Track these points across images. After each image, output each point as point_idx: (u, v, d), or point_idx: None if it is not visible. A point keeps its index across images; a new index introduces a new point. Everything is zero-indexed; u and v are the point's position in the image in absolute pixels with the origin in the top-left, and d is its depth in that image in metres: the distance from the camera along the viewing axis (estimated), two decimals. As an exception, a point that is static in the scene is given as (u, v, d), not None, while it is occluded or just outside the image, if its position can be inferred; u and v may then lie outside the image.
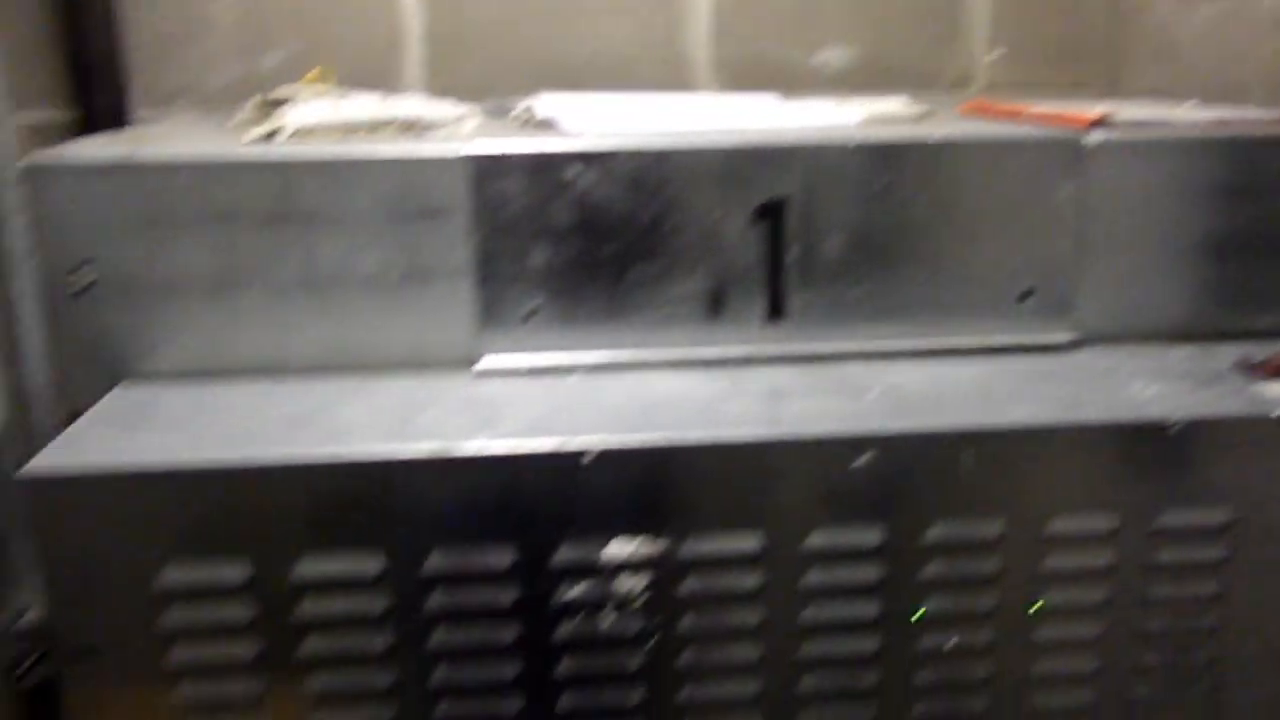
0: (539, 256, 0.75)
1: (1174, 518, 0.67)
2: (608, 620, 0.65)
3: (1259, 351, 0.76)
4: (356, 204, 0.74)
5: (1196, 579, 0.69)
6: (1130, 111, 0.85)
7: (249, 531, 0.62)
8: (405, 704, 0.65)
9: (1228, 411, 0.67)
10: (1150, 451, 0.67)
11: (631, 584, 0.65)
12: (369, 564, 0.63)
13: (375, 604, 0.64)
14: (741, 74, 1.29)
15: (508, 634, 0.65)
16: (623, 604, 0.65)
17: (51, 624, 0.63)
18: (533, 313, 0.76)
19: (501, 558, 0.64)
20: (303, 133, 0.79)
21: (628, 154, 0.74)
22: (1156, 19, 1.24)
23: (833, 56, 1.29)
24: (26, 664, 0.65)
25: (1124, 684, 0.70)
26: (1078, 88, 1.32)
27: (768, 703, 0.68)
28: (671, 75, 1.29)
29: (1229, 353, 0.78)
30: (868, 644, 0.68)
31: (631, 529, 0.65)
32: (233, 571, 0.62)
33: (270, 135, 0.78)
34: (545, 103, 0.94)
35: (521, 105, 0.96)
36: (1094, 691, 0.70)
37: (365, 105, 0.86)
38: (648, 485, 0.64)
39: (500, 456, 0.63)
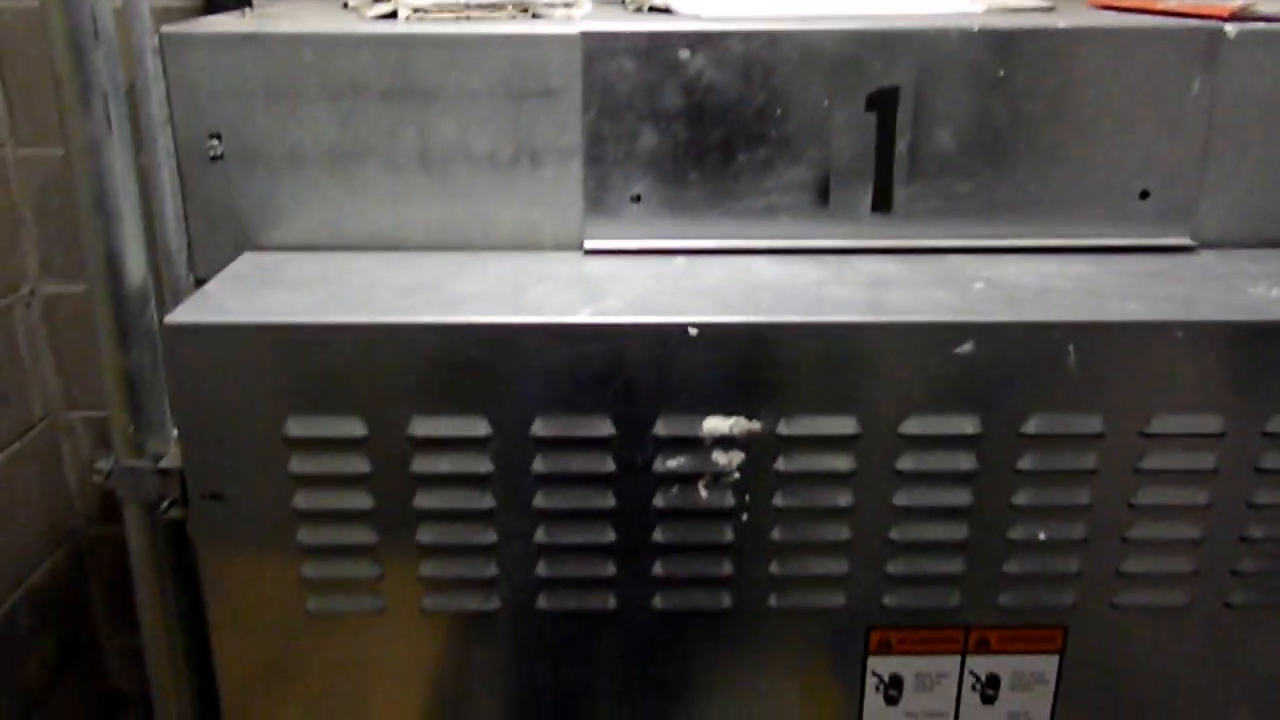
0: (648, 140, 0.76)
1: (1285, 422, 0.66)
2: (702, 493, 0.67)
3: (1393, 260, 0.73)
4: (472, 82, 0.75)
5: (1304, 486, 0.67)
6: (1274, 4, 0.80)
7: (365, 389, 0.66)
8: (506, 560, 0.69)
9: (1353, 315, 0.65)
10: (1264, 354, 0.65)
11: (726, 459, 0.67)
12: (477, 426, 0.66)
13: (481, 465, 0.67)
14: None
15: (605, 500, 0.68)
16: (717, 478, 0.67)
17: (184, 468, 0.68)
18: (639, 196, 0.77)
19: (601, 427, 0.66)
20: (420, 11, 0.80)
21: (740, 36, 0.74)
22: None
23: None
24: (165, 504, 0.70)
25: (1220, 587, 0.70)
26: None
27: (853, 583, 0.70)
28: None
29: (1360, 262, 0.75)
30: (956, 532, 0.68)
31: (729, 407, 0.66)
32: (350, 426, 0.66)
33: (390, 15, 0.80)
34: (658, -12, 0.93)
35: (634, -10, 0.95)
36: (1187, 593, 0.70)
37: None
38: (746, 364, 0.65)
39: (604, 327, 0.65)
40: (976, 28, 0.74)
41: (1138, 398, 0.66)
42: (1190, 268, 0.74)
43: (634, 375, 0.66)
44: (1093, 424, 0.66)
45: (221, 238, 0.78)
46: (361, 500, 0.67)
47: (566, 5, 0.86)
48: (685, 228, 0.78)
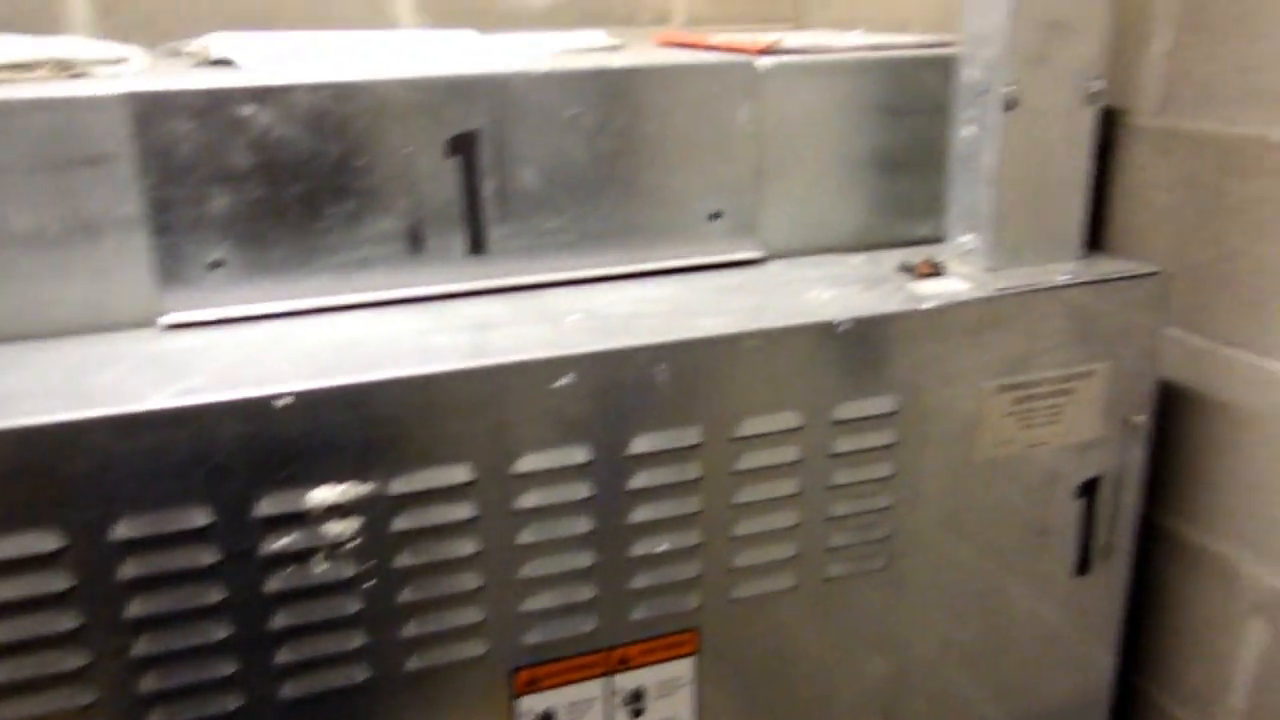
0: (220, 202, 0.71)
1: (848, 409, 0.74)
2: (319, 568, 0.64)
3: (916, 255, 0.84)
4: (5, 153, 0.67)
5: (871, 463, 0.76)
6: (799, 39, 0.91)
7: (-106, 520, 0.56)
8: (104, 682, 0.62)
9: (887, 309, 0.74)
10: (824, 350, 0.72)
11: (341, 528, 0.64)
12: (47, 540, 0.59)
13: (57, 582, 0.59)
14: (444, 13, 1.27)
15: (213, 595, 0.62)
16: (334, 549, 0.64)
17: None
18: (220, 262, 0.73)
19: (196, 517, 0.61)
20: (-72, 76, 0.70)
21: (306, 89, 0.71)
22: (832, -44, 1.32)
23: (535, -6, 1.29)
24: None
25: (819, 565, 0.77)
26: (767, 23, 1.40)
27: (492, 629, 0.69)
28: (372, 14, 1.25)
29: (895, 259, 0.85)
30: (584, 559, 0.70)
31: (336, 474, 0.63)
32: (-121, 566, 0.56)
33: (-113, 80, 0.69)
34: (222, 41, 0.88)
35: (195, 44, 0.90)
36: (794, 575, 0.76)
37: (14, 46, 0.78)
38: (348, 426, 0.63)
39: (184, 410, 0.60)
40: (543, 70, 0.77)
41: (726, 405, 0.71)
42: (761, 278, 0.82)
43: (227, 456, 0.61)
44: (691, 435, 0.71)
45: None
46: (-92, 649, 0.58)
47: (114, 62, 0.79)
48: (274, 290, 0.74)
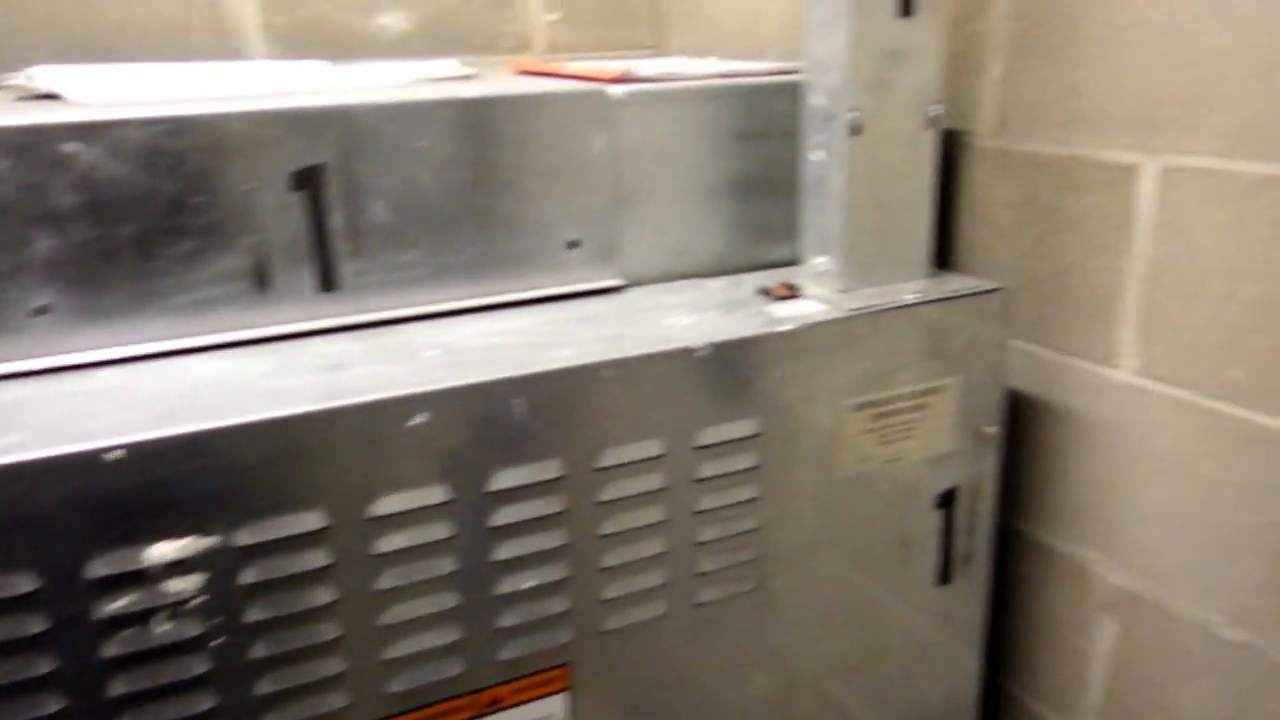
0: (44, 245, 0.67)
1: (711, 434, 0.74)
2: (160, 628, 0.61)
3: (774, 278, 0.86)
4: None
5: (736, 486, 0.76)
6: (652, 67, 0.91)
7: None
8: (-80, 769, 0.57)
9: (744, 333, 0.74)
10: (684, 376, 0.73)
11: (182, 585, 0.61)
12: None
13: None
14: (297, 40, 1.23)
15: (42, 665, 0.58)
16: (176, 608, 0.61)
17: None
18: (46, 308, 0.68)
19: (20, 583, 0.57)
20: None
21: (137, 124, 0.68)
22: (688, -17, 1.34)
23: (391, 21, 1.27)
24: None
25: (690, 591, 0.77)
26: (628, 50, 1.41)
27: (352, 679, 0.67)
28: (220, 44, 1.21)
29: (753, 282, 0.87)
30: (447, 600, 0.69)
31: (175, 528, 0.60)
32: None
33: None
34: (48, 74, 0.84)
35: (17, 77, 0.85)
36: (665, 603, 0.76)
37: None
38: (187, 477, 0.60)
39: (6, 468, 0.56)
40: (390, 101, 0.75)
41: (588, 436, 0.70)
42: (619, 307, 0.82)
43: (50, 516, 0.57)
44: (553, 468, 0.70)
45: None
46: None
47: (-77, 97, 0.74)
48: (108, 335, 0.70)
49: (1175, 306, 0.78)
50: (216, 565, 0.61)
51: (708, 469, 0.75)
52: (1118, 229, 0.81)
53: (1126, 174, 0.80)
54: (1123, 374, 0.83)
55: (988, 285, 0.83)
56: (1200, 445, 0.79)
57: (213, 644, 0.62)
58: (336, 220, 0.75)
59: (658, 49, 1.43)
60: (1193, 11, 0.73)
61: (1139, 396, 0.83)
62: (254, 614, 0.63)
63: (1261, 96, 0.70)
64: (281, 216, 0.73)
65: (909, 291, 0.81)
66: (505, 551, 0.69)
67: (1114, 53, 0.79)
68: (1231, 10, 0.71)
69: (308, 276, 0.75)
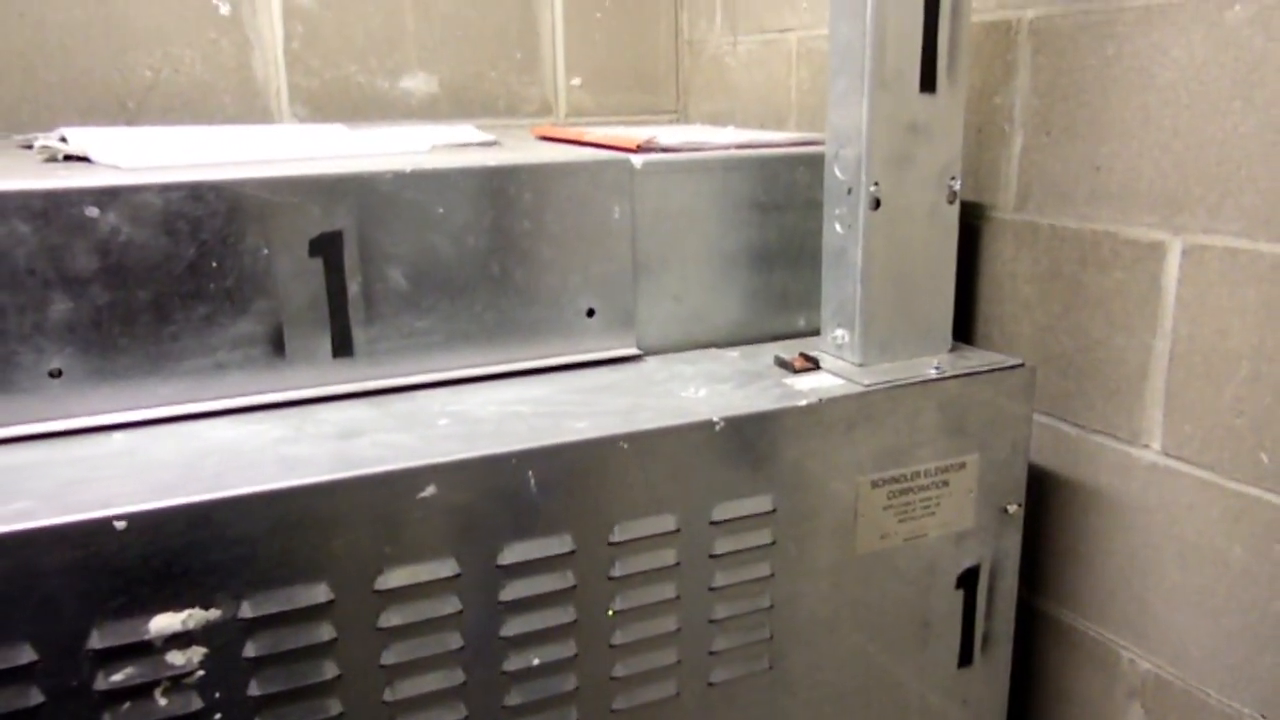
0: (60, 308, 0.67)
1: (726, 509, 0.73)
2: (160, 701, 0.59)
3: (792, 350, 0.85)
4: None
5: (752, 563, 0.74)
6: (672, 136, 0.91)
7: None
8: (-91, 845, 0.55)
9: (762, 407, 0.73)
10: (699, 450, 0.71)
11: (184, 658, 0.59)
12: None
13: None
14: (323, 103, 1.25)
15: (39, 738, 0.57)
16: (177, 681, 0.59)
17: None
18: (59, 371, 0.68)
19: (18, 655, 0.56)
20: None
21: (156, 189, 0.69)
22: (710, 51, 1.35)
23: (416, 85, 1.29)
24: None
25: (702, 670, 0.75)
26: (650, 115, 1.42)
27: (356, 756, 0.65)
28: (248, 104, 1.22)
29: (771, 353, 0.86)
30: (453, 678, 0.67)
31: (179, 600, 0.59)
32: None
33: None
34: (79, 135, 0.85)
35: (50, 136, 0.86)
36: (676, 683, 0.74)
37: None
38: (192, 548, 0.59)
39: (9, 536, 0.55)
40: (409, 169, 0.75)
41: (600, 510, 0.69)
42: (635, 376, 0.81)
43: (53, 585, 0.56)
44: (564, 543, 0.68)
45: None
46: None
47: (-49, 159, 0.75)
48: (122, 399, 0.70)
49: (1202, 386, 0.77)
50: (220, 638, 0.60)
51: (723, 545, 0.73)
52: (1143, 307, 0.80)
53: (1152, 252, 0.79)
54: (1149, 454, 0.82)
55: (1011, 361, 0.82)
56: (1229, 529, 0.76)
57: (213, 718, 0.61)
58: (353, 286, 0.75)
59: (679, 115, 1.44)
60: (1218, 92, 0.73)
61: (1166, 477, 0.81)
62: (257, 688, 0.62)
63: (1289, 177, 0.69)
64: (298, 282, 0.73)
65: (929, 366, 0.80)
66: (514, 627, 0.68)
67: (1138, 131, 0.79)
68: (1256, 92, 0.70)
69: (323, 342, 0.75)
